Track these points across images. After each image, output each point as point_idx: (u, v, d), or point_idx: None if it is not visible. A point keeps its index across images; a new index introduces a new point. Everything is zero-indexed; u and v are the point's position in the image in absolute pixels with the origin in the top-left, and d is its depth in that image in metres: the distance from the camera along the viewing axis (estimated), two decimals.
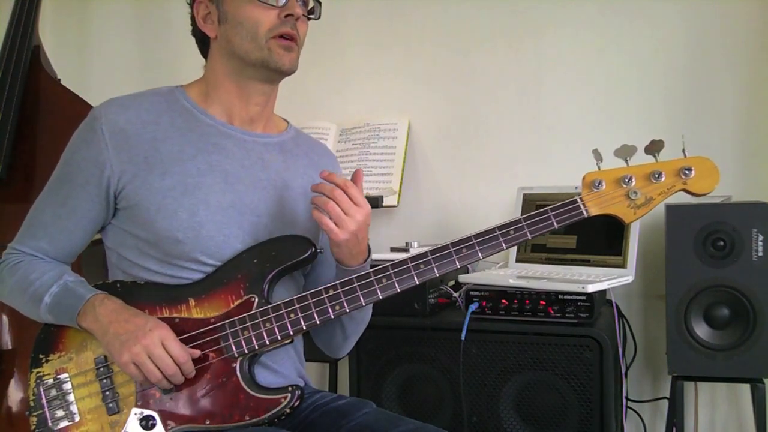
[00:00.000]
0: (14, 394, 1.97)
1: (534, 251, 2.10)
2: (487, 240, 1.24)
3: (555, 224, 1.24)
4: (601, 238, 1.99)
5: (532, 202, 2.11)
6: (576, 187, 2.02)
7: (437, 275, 1.24)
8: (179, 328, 1.23)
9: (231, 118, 1.36)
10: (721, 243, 1.82)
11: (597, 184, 1.24)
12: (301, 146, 1.47)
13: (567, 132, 2.31)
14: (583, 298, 1.78)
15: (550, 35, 2.33)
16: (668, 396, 2.05)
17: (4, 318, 1.99)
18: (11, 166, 2.06)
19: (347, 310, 1.24)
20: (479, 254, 1.24)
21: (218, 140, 1.34)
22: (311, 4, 1.36)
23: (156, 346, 1.17)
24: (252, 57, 1.29)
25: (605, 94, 2.28)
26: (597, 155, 1.26)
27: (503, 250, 1.25)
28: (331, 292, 1.24)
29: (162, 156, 1.28)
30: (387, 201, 2.28)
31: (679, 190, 1.24)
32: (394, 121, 2.43)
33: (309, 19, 1.35)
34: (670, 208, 1.84)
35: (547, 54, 2.33)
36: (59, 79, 2.26)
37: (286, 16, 1.27)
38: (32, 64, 2.18)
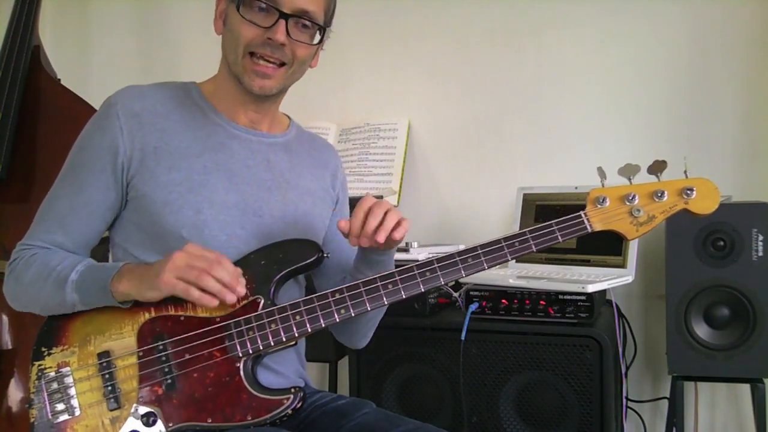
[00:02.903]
0: (14, 394, 1.97)
1: None
2: (493, 251, 1.26)
3: (560, 238, 1.26)
4: (601, 238, 1.98)
5: (532, 202, 2.11)
6: (576, 187, 2.04)
7: (442, 283, 1.26)
8: (184, 326, 1.23)
9: (236, 117, 1.37)
10: (721, 243, 1.82)
11: (601, 201, 1.27)
12: (303, 144, 1.47)
13: (567, 132, 2.32)
14: (583, 298, 1.78)
15: (551, 35, 2.33)
16: (668, 396, 2.05)
17: (4, 318, 1.99)
18: (11, 166, 2.06)
19: (352, 314, 1.24)
20: (484, 264, 1.25)
21: (224, 140, 1.34)
22: (310, 28, 1.30)
23: (201, 258, 1.15)
24: (232, 69, 1.31)
25: (605, 95, 2.29)
26: (601, 173, 1.29)
27: (508, 261, 1.27)
28: (337, 296, 1.24)
29: (171, 149, 1.29)
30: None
31: (681, 210, 1.27)
32: (394, 121, 2.43)
33: (306, 43, 1.31)
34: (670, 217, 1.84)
35: (548, 54, 2.33)
36: (59, 79, 2.26)
37: (267, 38, 1.26)
38: (32, 64, 2.18)
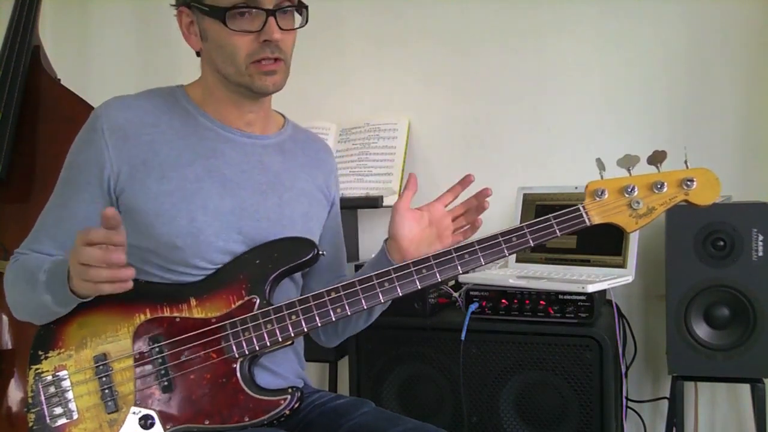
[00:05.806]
0: (14, 394, 1.97)
1: (534, 251, 2.10)
2: (490, 246, 1.25)
3: (558, 232, 1.25)
4: (601, 238, 1.99)
5: (532, 202, 2.11)
6: (576, 187, 2.04)
7: (439, 280, 1.25)
8: (180, 327, 1.23)
9: (229, 120, 1.35)
10: (721, 243, 1.82)
11: (600, 193, 1.25)
12: (298, 143, 1.45)
13: (567, 132, 2.31)
14: (583, 298, 1.78)
15: (551, 35, 2.33)
16: (668, 396, 2.05)
17: (4, 318, 1.99)
18: (11, 166, 2.06)
19: (348, 313, 1.24)
20: (481, 260, 1.25)
21: (216, 144, 1.32)
22: (291, 12, 1.29)
23: (81, 254, 1.09)
24: (234, 80, 1.28)
25: (605, 95, 2.28)
26: (600, 164, 1.27)
27: (505, 256, 1.26)
28: (333, 295, 1.24)
29: (160, 159, 1.27)
30: (387, 201, 2.28)
31: (681, 201, 1.25)
32: (394, 121, 2.43)
33: (294, 29, 1.31)
34: (670, 208, 1.84)
35: (548, 54, 2.33)
36: (59, 79, 2.26)
37: (264, 41, 1.24)
38: (32, 64, 2.18)
